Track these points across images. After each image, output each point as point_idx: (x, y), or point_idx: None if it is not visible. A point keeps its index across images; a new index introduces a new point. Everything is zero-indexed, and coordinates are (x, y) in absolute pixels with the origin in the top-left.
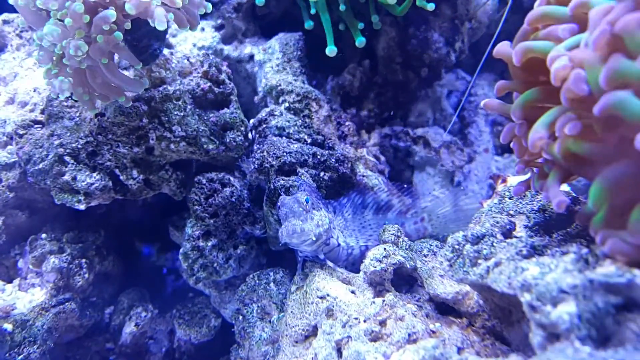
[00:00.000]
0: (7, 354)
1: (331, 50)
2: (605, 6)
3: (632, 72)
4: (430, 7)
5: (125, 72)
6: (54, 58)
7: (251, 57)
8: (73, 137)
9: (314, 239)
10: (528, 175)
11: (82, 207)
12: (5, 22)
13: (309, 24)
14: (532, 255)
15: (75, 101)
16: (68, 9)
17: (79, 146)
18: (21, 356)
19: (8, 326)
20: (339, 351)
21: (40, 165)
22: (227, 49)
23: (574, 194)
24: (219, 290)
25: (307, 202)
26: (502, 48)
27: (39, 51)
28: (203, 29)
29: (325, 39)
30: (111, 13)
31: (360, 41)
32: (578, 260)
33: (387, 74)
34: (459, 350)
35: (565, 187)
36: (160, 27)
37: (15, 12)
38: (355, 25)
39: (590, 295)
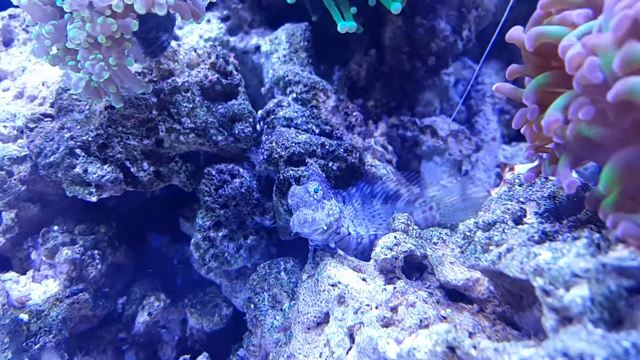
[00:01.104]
0: (24, 344)
1: (343, 27)
2: None
3: None
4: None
5: (136, 65)
6: (59, 47)
7: (257, 48)
8: (83, 130)
9: (325, 228)
10: (536, 163)
11: (93, 199)
12: (11, 16)
13: (314, 17)
14: (543, 241)
15: None
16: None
17: (90, 139)
18: (37, 345)
19: (24, 316)
20: (352, 337)
21: (52, 158)
22: (233, 40)
23: (582, 180)
24: (230, 280)
25: (317, 192)
26: (515, 33)
27: (35, 44)
28: (209, 21)
29: (332, 30)
30: (134, 23)
31: (352, 25)
32: (590, 244)
33: (394, 64)
34: (471, 335)
35: (574, 174)
36: (160, 12)
37: None
38: (347, 8)
39: (603, 279)
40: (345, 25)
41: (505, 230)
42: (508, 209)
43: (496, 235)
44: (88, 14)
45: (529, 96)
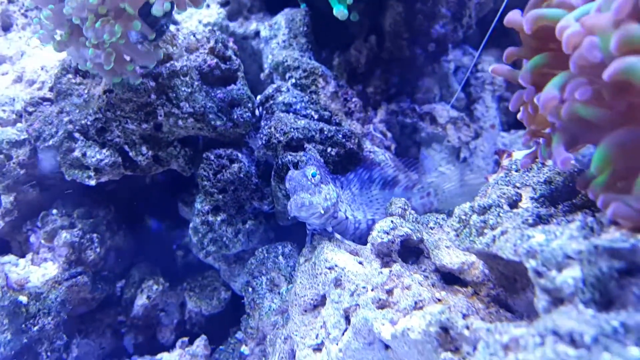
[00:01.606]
0: (23, 325)
1: (339, 10)
2: None
3: None
4: None
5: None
6: (65, 31)
7: (257, 33)
8: (82, 114)
9: (322, 211)
10: (534, 149)
11: (92, 182)
12: (10, 1)
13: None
14: (538, 224)
15: (84, 77)
16: None
17: (88, 123)
18: (36, 327)
19: (23, 298)
20: (347, 318)
21: (50, 142)
22: (233, 26)
23: (579, 166)
24: (228, 264)
25: (314, 176)
26: (513, 16)
27: (40, 29)
28: (208, 6)
29: (332, 15)
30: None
31: (338, 9)
32: (583, 227)
33: (394, 50)
34: (464, 316)
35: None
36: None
37: None
38: None
39: (595, 261)
40: (341, 9)
41: (500, 214)
42: (504, 193)
43: (491, 218)
44: None
45: (525, 77)
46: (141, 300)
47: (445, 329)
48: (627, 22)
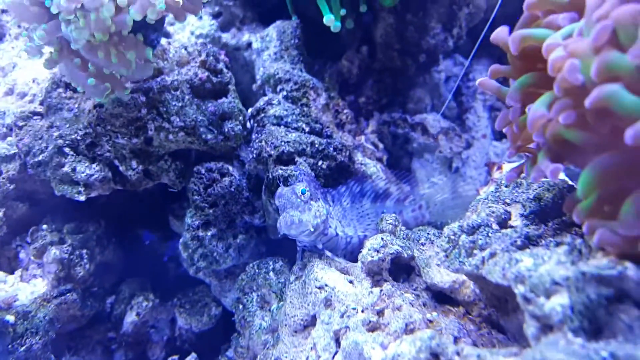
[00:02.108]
0: (10, 346)
1: (329, 19)
2: None
3: (622, 65)
4: None
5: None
6: (54, 48)
7: (249, 44)
8: (72, 129)
9: (312, 229)
10: (522, 161)
11: (82, 198)
12: (3, 11)
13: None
14: (526, 246)
15: (74, 91)
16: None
17: (78, 137)
18: (24, 347)
19: (10, 318)
20: (337, 341)
21: (40, 157)
22: (225, 37)
23: (570, 182)
24: (219, 279)
25: (304, 193)
26: (500, 34)
27: (28, 42)
28: (200, 17)
29: (324, 26)
30: (129, 18)
31: (328, 18)
32: (571, 251)
33: (385, 61)
34: (456, 339)
35: (561, 175)
36: (152, 16)
37: None
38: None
39: (583, 287)
40: (331, 18)
41: (490, 234)
42: (493, 212)
43: (480, 239)
44: (80, 14)
45: (512, 95)
46: (131, 317)
47: (435, 355)
48: (606, 49)
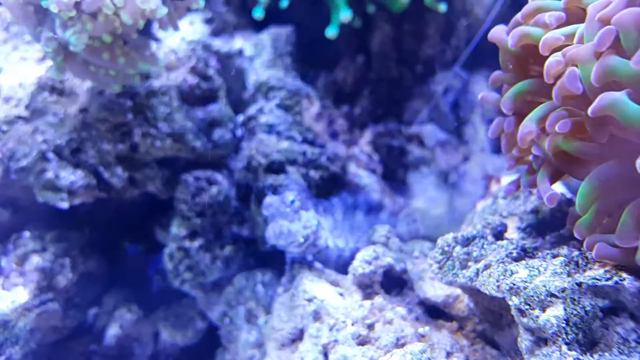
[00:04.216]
0: None
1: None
2: (602, 1)
3: (623, 71)
4: (442, 9)
5: None
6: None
7: (241, 51)
8: (57, 134)
9: (302, 240)
10: (518, 176)
11: (64, 205)
12: None
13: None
14: (522, 258)
15: (60, 95)
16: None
17: (63, 143)
18: (3, 357)
19: None
20: (326, 355)
21: (24, 162)
22: (217, 43)
23: (568, 196)
24: (205, 292)
25: (293, 203)
26: (497, 32)
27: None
28: (192, 22)
29: (319, 34)
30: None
31: (345, 14)
32: (568, 262)
33: (382, 70)
34: (448, 354)
35: (561, 187)
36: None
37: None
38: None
39: (579, 299)
40: (334, 32)
41: (485, 246)
42: (489, 224)
43: (475, 250)
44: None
45: (505, 104)
46: (114, 330)
47: None
48: (606, 54)
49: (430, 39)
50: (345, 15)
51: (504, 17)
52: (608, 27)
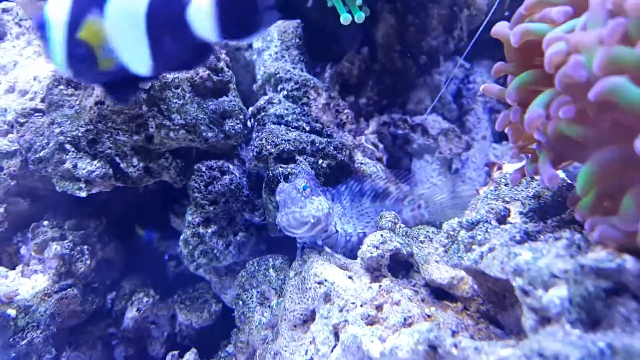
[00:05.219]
0: (11, 339)
1: (346, 19)
2: None
3: (627, 58)
4: None
5: None
6: None
7: (250, 44)
8: (73, 125)
9: (313, 221)
10: (523, 163)
11: (83, 194)
12: (4, 10)
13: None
14: (525, 241)
15: (76, 89)
16: None
17: (80, 134)
18: (25, 341)
19: (11, 312)
20: (336, 335)
21: (41, 154)
22: None
23: (569, 181)
24: (219, 276)
25: (305, 189)
26: (500, 28)
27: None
28: None
29: (325, 27)
30: None
31: (359, 16)
32: (570, 245)
33: (386, 62)
34: (453, 333)
35: (561, 174)
36: None
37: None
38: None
39: (581, 280)
40: (348, 17)
41: (489, 230)
42: (492, 209)
43: (479, 234)
44: None
45: (510, 94)
46: (131, 313)
47: (433, 347)
48: (611, 43)
49: (434, 31)
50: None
51: (504, 9)
52: (617, 20)
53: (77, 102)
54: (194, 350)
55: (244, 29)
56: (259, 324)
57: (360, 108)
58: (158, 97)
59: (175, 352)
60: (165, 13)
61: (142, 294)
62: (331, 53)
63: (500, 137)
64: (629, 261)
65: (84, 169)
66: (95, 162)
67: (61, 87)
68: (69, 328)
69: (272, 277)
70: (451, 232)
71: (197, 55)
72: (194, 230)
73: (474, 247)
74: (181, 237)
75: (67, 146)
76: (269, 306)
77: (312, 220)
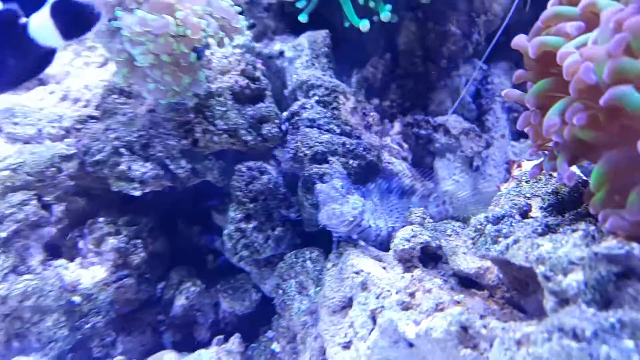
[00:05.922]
0: (77, 323)
1: (364, 25)
2: (616, 8)
3: (632, 68)
4: None
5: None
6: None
7: (281, 53)
8: (127, 131)
9: (351, 219)
10: (541, 159)
11: (137, 193)
12: None
13: (302, 17)
14: (546, 233)
15: (128, 97)
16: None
17: (133, 139)
18: (89, 325)
19: (76, 299)
20: (373, 319)
21: (98, 157)
22: (259, 46)
23: (584, 177)
24: (258, 268)
25: (342, 188)
26: (519, 40)
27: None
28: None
29: (350, 35)
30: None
31: (385, 15)
32: (586, 236)
33: (408, 66)
34: (482, 317)
35: (576, 170)
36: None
37: None
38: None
39: (595, 266)
40: (366, 24)
41: (513, 224)
42: (515, 204)
43: (504, 228)
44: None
45: (530, 100)
46: (180, 301)
47: (464, 328)
48: (618, 55)
49: (453, 36)
50: (385, 14)
51: (520, 13)
52: (621, 34)
53: (130, 110)
54: (238, 334)
55: (81, 29)
56: (298, 310)
57: (385, 110)
58: (203, 105)
59: (221, 337)
60: (6, 37)
61: (190, 283)
62: (356, 58)
63: (519, 135)
64: (636, 248)
65: (137, 170)
66: (147, 164)
67: (114, 95)
68: (122, 315)
69: (310, 268)
70: (479, 226)
71: (45, 60)
72: (236, 225)
73: (500, 239)
74: (224, 231)
75: (122, 150)
76: (307, 294)
77: (350, 218)
